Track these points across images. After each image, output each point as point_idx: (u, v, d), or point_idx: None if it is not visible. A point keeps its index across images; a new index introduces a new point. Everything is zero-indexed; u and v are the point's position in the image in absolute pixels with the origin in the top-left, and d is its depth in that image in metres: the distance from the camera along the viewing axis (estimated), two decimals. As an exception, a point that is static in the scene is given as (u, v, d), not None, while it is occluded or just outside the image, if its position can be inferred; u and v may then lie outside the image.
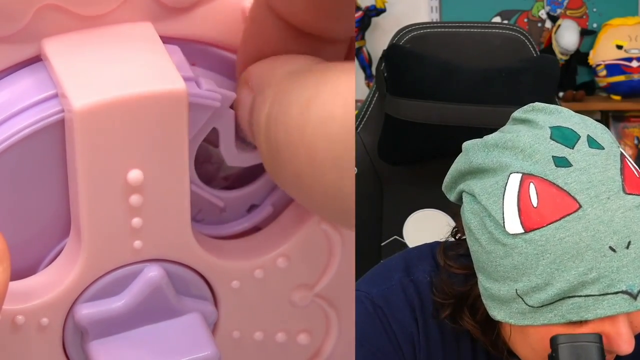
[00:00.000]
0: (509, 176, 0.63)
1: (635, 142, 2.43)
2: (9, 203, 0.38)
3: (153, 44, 0.38)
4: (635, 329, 0.65)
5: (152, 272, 0.39)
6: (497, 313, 0.66)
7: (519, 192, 0.62)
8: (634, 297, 0.60)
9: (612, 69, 2.35)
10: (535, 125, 0.65)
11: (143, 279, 0.39)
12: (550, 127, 0.64)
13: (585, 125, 0.65)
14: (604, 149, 0.63)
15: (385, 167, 1.21)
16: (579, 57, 2.44)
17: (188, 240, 0.39)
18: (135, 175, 0.37)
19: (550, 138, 0.63)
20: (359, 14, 2.41)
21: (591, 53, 2.42)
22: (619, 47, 2.36)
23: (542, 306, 0.62)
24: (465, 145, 0.69)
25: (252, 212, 0.43)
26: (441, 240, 0.78)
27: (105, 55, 0.37)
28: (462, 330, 0.75)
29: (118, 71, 0.36)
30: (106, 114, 0.35)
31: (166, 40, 0.39)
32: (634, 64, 2.34)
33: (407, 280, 0.77)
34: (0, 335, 0.38)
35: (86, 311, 0.38)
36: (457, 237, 0.76)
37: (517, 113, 0.68)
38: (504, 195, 0.63)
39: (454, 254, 0.74)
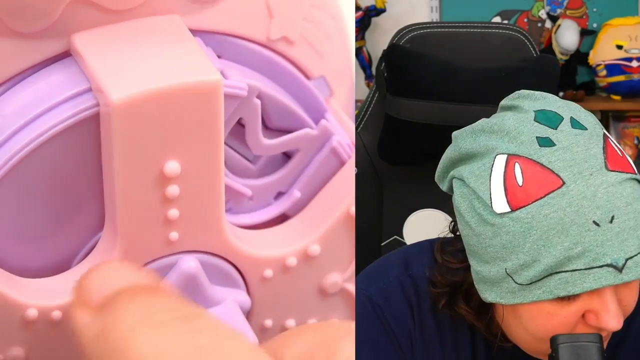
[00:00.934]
0: (495, 158, 0.64)
1: (635, 142, 2.43)
2: (45, 197, 0.38)
3: (183, 36, 0.38)
4: (625, 308, 0.65)
5: (188, 264, 0.39)
6: (488, 295, 0.67)
7: (504, 172, 0.64)
8: (619, 270, 0.61)
9: (612, 69, 2.35)
10: (521, 110, 0.66)
11: (179, 270, 0.39)
12: (534, 111, 0.65)
13: (569, 109, 0.67)
14: (586, 129, 0.64)
15: (385, 167, 1.21)
16: (579, 57, 2.44)
17: (222, 231, 0.39)
18: (172, 166, 0.37)
19: (534, 120, 0.65)
20: (359, 14, 2.40)
21: (591, 53, 2.42)
22: (619, 47, 2.36)
23: (530, 283, 0.63)
24: (455, 134, 0.70)
25: (279, 199, 0.43)
26: (441, 237, 0.79)
27: (138, 48, 0.37)
28: (460, 323, 0.75)
29: (152, 64, 0.36)
30: (143, 106, 0.35)
31: (193, 32, 0.39)
32: (634, 64, 2.33)
33: (404, 275, 0.77)
34: (38, 331, 0.38)
35: None
36: (455, 233, 0.76)
37: (504, 101, 0.69)
38: (490, 177, 0.64)
39: (452, 250, 0.74)
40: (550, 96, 0.68)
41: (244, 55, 0.41)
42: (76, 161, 0.38)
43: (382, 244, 1.24)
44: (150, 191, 0.37)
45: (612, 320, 0.63)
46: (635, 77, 2.33)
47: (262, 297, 0.42)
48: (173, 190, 0.37)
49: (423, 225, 1.21)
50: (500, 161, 0.64)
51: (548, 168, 0.62)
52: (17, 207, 0.38)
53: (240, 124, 0.41)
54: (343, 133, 0.44)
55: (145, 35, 0.37)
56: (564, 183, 0.62)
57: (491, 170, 0.64)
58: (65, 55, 0.38)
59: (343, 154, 0.43)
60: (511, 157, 0.64)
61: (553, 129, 0.64)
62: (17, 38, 0.37)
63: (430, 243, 0.80)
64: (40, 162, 0.37)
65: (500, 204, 0.63)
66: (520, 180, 0.63)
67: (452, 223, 0.77)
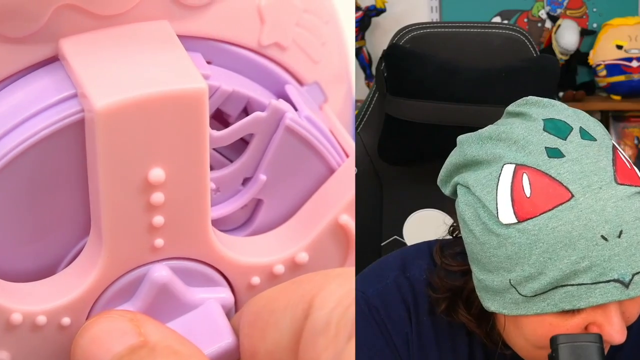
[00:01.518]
0: (502, 167, 0.64)
1: (635, 142, 2.43)
2: (29, 203, 0.38)
3: (171, 43, 0.38)
4: (627, 320, 0.65)
5: (156, 273, 0.39)
6: (490, 304, 0.66)
7: (512, 182, 0.63)
8: (626, 286, 0.61)
9: (612, 69, 2.35)
10: (529, 118, 0.65)
11: (148, 281, 0.39)
12: (543, 120, 0.65)
13: (578, 118, 0.66)
14: (596, 140, 0.64)
15: (385, 167, 1.21)
16: (579, 57, 2.44)
17: (208, 238, 0.39)
18: (156, 173, 0.37)
19: (543, 130, 0.64)
20: (359, 14, 2.41)
21: (591, 53, 2.42)
22: (619, 47, 2.36)
23: (535, 295, 0.63)
24: (460, 138, 0.70)
25: (247, 185, 0.43)
26: (440, 238, 0.78)
27: (124, 54, 0.37)
28: (458, 327, 0.75)
29: (138, 70, 0.36)
30: (128, 113, 0.35)
31: (182, 38, 0.39)
32: (634, 64, 2.33)
33: (402, 278, 0.77)
34: (21, 336, 0.38)
35: None
36: (454, 235, 0.76)
37: (511, 107, 0.68)
38: (497, 186, 0.63)
39: (451, 252, 0.74)
40: (558, 104, 0.67)
41: (234, 61, 0.41)
42: (61, 167, 0.38)
43: (382, 244, 1.24)
44: (134, 198, 0.37)
45: (616, 334, 0.63)
46: (635, 77, 2.33)
47: None
48: (158, 197, 0.37)
49: (423, 226, 1.21)
50: (508, 171, 0.63)
51: (557, 180, 0.61)
52: (1, 212, 0.37)
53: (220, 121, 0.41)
54: (304, 109, 0.43)
55: (133, 41, 0.37)
56: (572, 196, 0.61)
57: (498, 179, 0.64)
58: (53, 60, 0.38)
59: (300, 130, 0.42)
60: (519, 167, 0.63)
61: (562, 139, 0.63)
62: (4, 43, 0.36)
63: (428, 245, 0.79)
64: (25, 168, 0.37)
65: (506, 215, 0.63)
66: (528, 192, 0.62)
67: (452, 226, 0.76)
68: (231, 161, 0.42)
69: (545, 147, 0.63)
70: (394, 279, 0.77)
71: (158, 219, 0.38)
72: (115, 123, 0.35)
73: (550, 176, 0.62)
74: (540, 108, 0.66)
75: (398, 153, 1.19)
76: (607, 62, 2.36)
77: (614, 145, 0.65)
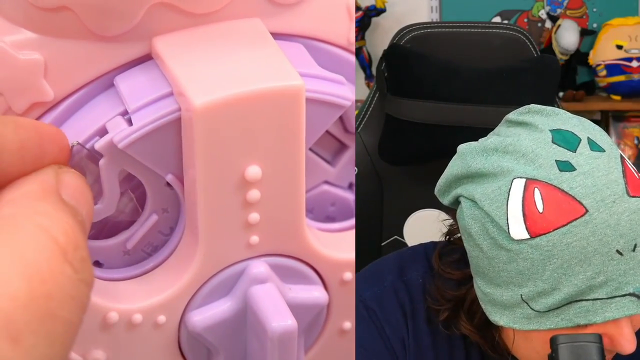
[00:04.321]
0: (512, 181, 0.63)
1: (635, 142, 2.43)
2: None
3: (265, 40, 0.38)
4: (635, 327, 0.65)
5: (255, 269, 0.39)
6: (499, 318, 0.66)
7: (523, 197, 0.62)
8: None
9: (612, 69, 2.35)
10: (535, 129, 0.65)
11: (248, 277, 0.39)
12: (550, 130, 0.64)
13: (584, 128, 0.65)
14: (604, 151, 0.63)
15: (385, 167, 1.21)
16: (579, 57, 2.44)
17: (303, 234, 0.40)
18: (253, 171, 0.37)
19: (552, 142, 0.63)
20: (359, 14, 2.41)
21: (591, 53, 2.42)
22: (619, 47, 2.36)
23: (548, 311, 0.62)
24: (461, 149, 0.69)
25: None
26: (436, 241, 0.78)
27: (218, 52, 0.37)
28: (455, 336, 0.75)
29: (233, 68, 0.36)
30: (225, 111, 0.35)
31: (275, 36, 0.39)
32: (634, 64, 2.33)
33: (399, 282, 0.77)
34: (117, 335, 0.38)
35: (197, 317, 0.39)
36: (449, 239, 0.76)
37: (513, 115, 0.68)
38: (507, 201, 0.63)
39: (450, 260, 0.74)
40: (562, 112, 0.67)
41: (326, 59, 0.41)
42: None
43: (382, 244, 1.24)
44: (231, 196, 0.37)
45: (627, 344, 0.63)
46: (635, 77, 2.33)
47: (341, 300, 0.42)
48: (254, 194, 0.37)
49: (423, 226, 1.21)
50: (518, 185, 0.62)
51: (570, 194, 0.61)
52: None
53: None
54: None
55: (226, 38, 0.38)
56: (587, 211, 0.60)
57: (508, 194, 0.63)
58: (147, 58, 0.38)
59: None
60: (530, 182, 0.62)
61: (572, 151, 0.63)
62: (98, 41, 0.37)
63: (424, 248, 0.79)
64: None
65: (518, 230, 0.62)
66: (540, 207, 0.61)
67: (447, 232, 0.76)
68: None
69: (556, 160, 0.62)
70: (391, 282, 0.77)
71: (254, 216, 0.38)
72: (213, 121, 0.35)
73: (563, 190, 0.61)
74: (545, 117, 0.66)
75: (398, 153, 1.19)
76: (607, 62, 2.36)
77: (621, 155, 0.65)
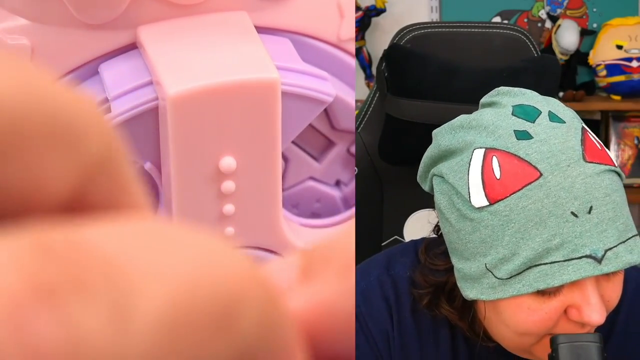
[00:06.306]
0: (472, 152, 0.64)
1: (635, 142, 2.43)
2: None
3: (248, 33, 0.38)
4: (607, 303, 0.65)
5: None
6: (469, 292, 0.66)
7: (482, 166, 0.63)
8: (599, 261, 0.61)
9: (612, 69, 2.35)
10: (499, 105, 0.66)
11: None
12: (512, 106, 0.65)
13: (548, 103, 0.67)
14: (564, 122, 0.64)
15: (385, 167, 1.21)
16: (579, 57, 2.44)
17: (278, 227, 0.39)
18: (227, 162, 0.37)
19: (512, 114, 0.65)
20: (359, 14, 2.40)
21: (591, 53, 2.42)
22: (619, 47, 2.36)
23: (510, 277, 0.63)
24: (435, 132, 0.70)
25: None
26: (427, 237, 0.79)
27: (200, 43, 0.37)
28: (441, 323, 0.75)
29: (212, 59, 0.36)
30: (199, 101, 0.35)
31: (260, 29, 0.39)
32: (634, 64, 2.33)
33: (385, 275, 0.77)
34: None
35: None
36: (439, 234, 0.76)
37: (484, 98, 0.70)
38: (468, 171, 0.64)
39: (436, 252, 0.74)
40: (529, 92, 0.68)
41: (315, 55, 0.41)
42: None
43: (382, 244, 1.24)
44: (205, 186, 0.37)
45: (595, 314, 0.63)
46: (635, 77, 2.33)
47: None
48: (228, 185, 0.37)
49: (423, 226, 1.21)
50: (478, 155, 0.64)
51: (525, 160, 0.62)
52: None
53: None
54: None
55: (209, 30, 0.37)
56: (541, 174, 0.61)
57: (469, 164, 0.64)
58: (133, 47, 0.38)
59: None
60: (489, 151, 0.63)
61: (531, 122, 0.64)
62: (84, 29, 0.37)
63: (414, 244, 0.80)
64: None
65: (478, 198, 0.63)
66: (498, 174, 0.62)
67: (437, 225, 0.77)
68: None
69: (514, 130, 0.63)
70: (376, 276, 0.77)
71: (229, 208, 0.38)
72: (186, 111, 0.35)
73: (519, 157, 0.62)
74: (510, 97, 0.67)
75: (398, 153, 1.19)
76: (607, 62, 2.36)
77: (583, 127, 0.65)
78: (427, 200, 1.20)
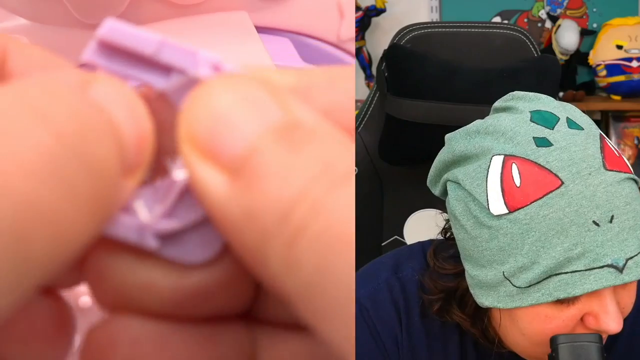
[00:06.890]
0: (491, 159, 0.63)
1: (635, 142, 2.43)
2: None
3: (248, 33, 0.38)
4: (622, 310, 0.64)
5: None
6: (485, 299, 0.66)
7: (501, 173, 0.63)
8: (620, 271, 0.60)
9: (612, 69, 2.35)
10: (516, 111, 0.66)
11: None
12: (530, 111, 0.65)
13: (565, 109, 0.66)
14: (583, 129, 0.64)
15: (385, 167, 1.21)
16: (579, 57, 2.44)
17: None
18: None
19: (530, 120, 0.64)
20: (359, 14, 2.40)
21: (591, 53, 2.42)
22: (619, 47, 2.36)
23: (529, 286, 0.62)
24: (448, 136, 0.69)
25: None
26: (434, 239, 0.78)
27: (198, 43, 0.37)
28: (450, 328, 0.75)
29: None
30: None
31: (260, 29, 0.39)
32: (634, 64, 2.33)
33: (394, 278, 0.76)
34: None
35: None
36: (447, 236, 0.76)
37: (498, 103, 0.69)
38: (487, 178, 0.63)
39: (445, 255, 0.74)
40: (544, 97, 0.68)
41: (315, 55, 0.41)
42: None
43: (383, 244, 1.24)
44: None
45: (612, 323, 0.62)
46: (635, 77, 2.33)
47: None
48: None
49: (423, 226, 1.21)
50: (497, 162, 0.63)
51: (546, 168, 0.61)
52: None
53: None
54: None
55: (208, 30, 0.37)
56: (562, 183, 0.61)
57: (487, 171, 0.63)
58: None
59: None
60: (508, 158, 0.63)
61: (550, 129, 0.63)
62: (84, 29, 0.37)
63: (422, 246, 0.79)
64: None
65: (497, 206, 0.62)
66: (517, 181, 0.62)
67: (444, 228, 0.76)
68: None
69: (533, 137, 0.63)
70: (385, 279, 0.77)
71: None
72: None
73: (540, 165, 0.62)
74: (526, 102, 0.67)
75: (398, 153, 1.19)
76: (607, 62, 2.36)
77: (600, 134, 0.65)
78: (426, 200, 1.21)
